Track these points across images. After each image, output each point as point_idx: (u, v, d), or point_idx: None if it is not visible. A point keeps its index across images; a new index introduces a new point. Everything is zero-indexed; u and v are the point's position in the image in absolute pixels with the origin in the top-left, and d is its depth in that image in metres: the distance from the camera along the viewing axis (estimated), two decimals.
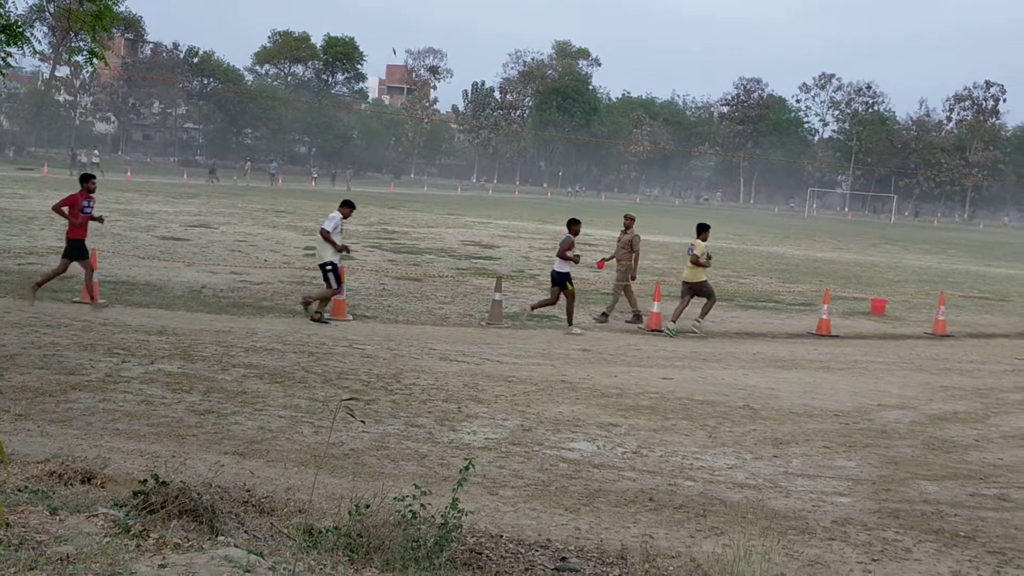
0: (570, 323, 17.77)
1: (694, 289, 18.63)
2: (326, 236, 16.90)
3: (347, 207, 17.45)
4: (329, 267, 16.94)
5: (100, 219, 17.06)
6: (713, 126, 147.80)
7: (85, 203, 16.56)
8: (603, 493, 8.40)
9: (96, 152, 73.04)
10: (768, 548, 6.86)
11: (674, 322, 18.33)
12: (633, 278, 19.61)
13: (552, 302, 18.19)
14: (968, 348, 19.21)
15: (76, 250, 16.51)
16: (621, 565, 6.69)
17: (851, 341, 18.94)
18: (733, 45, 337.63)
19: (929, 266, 41.86)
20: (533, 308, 18.35)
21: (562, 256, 17.79)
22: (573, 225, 18.19)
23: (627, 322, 19.13)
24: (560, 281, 17.78)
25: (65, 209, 16.45)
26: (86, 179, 16.94)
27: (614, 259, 19.90)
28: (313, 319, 16.52)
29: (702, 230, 18.93)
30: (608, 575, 6.49)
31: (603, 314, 19.14)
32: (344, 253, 17.49)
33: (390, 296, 20.27)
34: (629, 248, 19.58)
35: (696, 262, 18.58)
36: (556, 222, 53.40)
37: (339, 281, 16.98)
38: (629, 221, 19.99)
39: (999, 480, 9.67)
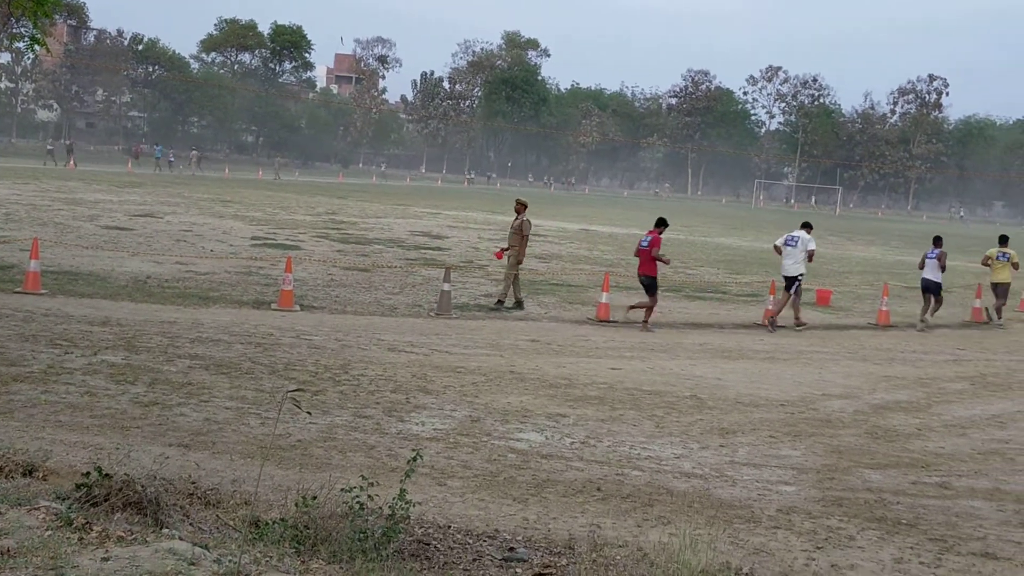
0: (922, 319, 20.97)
1: (999, 289, 22.57)
2: (812, 256, 19.92)
3: (809, 227, 20.38)
4: (801, 277, 19.56)
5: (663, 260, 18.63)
6: (661, 118, 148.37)
7: (643, 241, 18.46)
8: (551, 483, 8.42)
9: None
10: (714, 537, 6.92)
11: (1000, 318, 22.63)
12: (519, 262, 19.35)
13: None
14: (911, 338, 19.49)
15: (652, 285, 18.17)
16: (569, 555, 6.71)
17: (796, 331, 19.12)
18: (681, 37, 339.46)
19: (873, 257, 42.42)
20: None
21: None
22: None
23: (507, 309, 18.87)
24: None
25: (656, 251, 18.19)
26: (663, 223, 18.66)
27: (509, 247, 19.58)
28: (797, 326, 19.29)
29: (1006, 240, 23.11)
30: (556, 565, 6.51)
31: (498, 301, 19.02)
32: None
33: (338, 286, 20.17)
34: (519, 234, 19.47)
35: (1017, 267, 22.68)
36: (504, 213, 53.43)
37: (800, 290, 19.75)
38: (520, 207, 19.76)
39: (940, 468, 9.82)
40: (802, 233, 19.98)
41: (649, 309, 18.16)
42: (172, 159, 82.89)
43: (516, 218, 19.57)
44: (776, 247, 20.58)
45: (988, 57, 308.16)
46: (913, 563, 7.18)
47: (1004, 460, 10.36)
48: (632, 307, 18.38)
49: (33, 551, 4.76)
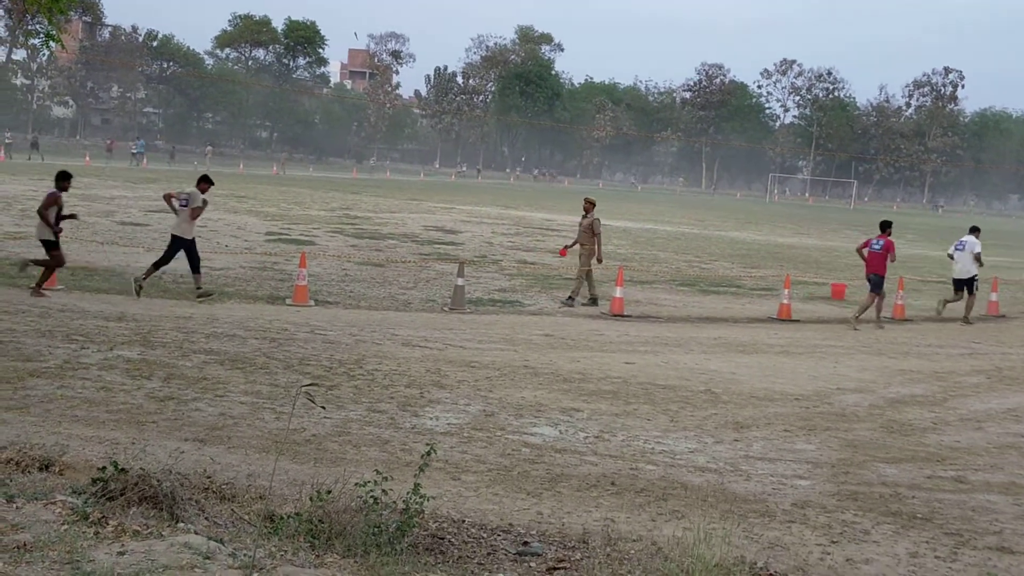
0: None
1: None
2: (979, 258, 21.41)
3: (977, 231, 21.93)
4: (976, 278, 21.36)
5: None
6: (675, 112, 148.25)
7: (875, 244, 19.76)
8: (565, 478, 8.41)
9: None
10: (728, 531, 6.91)
11: None
12: (599, 261, 19.68)
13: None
14: (926, 332, 19.42)
15: (880, 282, 19.49)
16: (583, 549, 6.72)
17: (811, 325, 19.08)
18: (695, 31, 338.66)
19: None
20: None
21: None
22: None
23: (583, 305, 19.18)
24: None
25: (891, 255, 19.61)
26: (890, 224, 20.08)
27: (577, 244, 19.93)
28: (966, 322, 21.01)
29: None
30: (570, 559, 6.51)
31: (569, 298, 19.20)
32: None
33: (352, 282, 20.19)
34: (590, 232, 19.61)
35: None
36: (518, 207, 53.47)
37: (975, 290, 21.48)
38: (589, 205, 19.97)
39: (956, 462, 9.79)
40: (970, 238, 21.65)
41: (872, 306, 19.49)
42: (134, 151, 79.11)
43: (585, 216, 19.79)
44: (949, 255, 22.19)
45: (1004, 50, 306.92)
46: (928, 557, 7.15)
47: (1020, 454, 10.31)
48: (862, 311, 19.48)
49: (50, 545, 4.78)
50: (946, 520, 7.97)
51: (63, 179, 16.32)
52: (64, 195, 16.40)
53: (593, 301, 19.29)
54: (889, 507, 8.21)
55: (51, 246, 16.00)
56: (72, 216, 16.82)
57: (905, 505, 8.29)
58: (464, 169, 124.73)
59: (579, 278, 19.58)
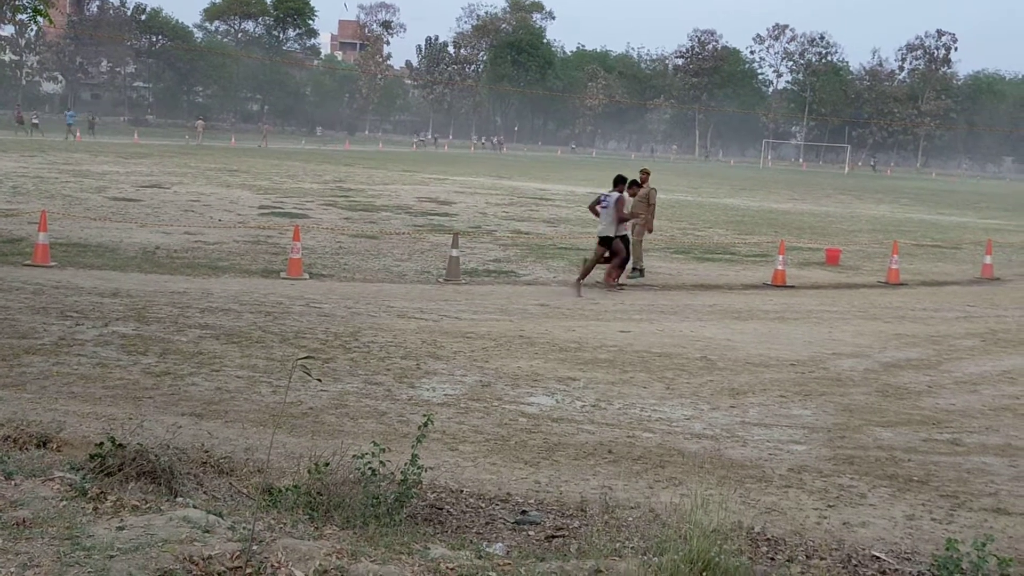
0: None
1: None
2: None
3: None
4: None
5: None
6: (668, 79, 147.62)
7: None
8: (562, 446, 8.44)
9: None
10: (725, 497, 6.92)
11: None
12: (649, 231, 20.00)
13: None
14: (921, 296, 19.43)
15: None
16: (581, 517, 6.74)
17: (806, 291, 19.09)
18: None
19: (882, 215, 42.23)
20: None
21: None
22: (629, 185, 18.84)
23: (628, 277, 19.16)
24: None
25: None
26: None
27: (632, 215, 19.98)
28: None
29: None
30: (568, 527, 6.54)
31: (634, 269, 19.27)
32: None
33: (347, 254, 20.17)
34: (646, 202, 19.72)
35: None
36: (511, 177, 53.33)
37: None
38: (645, 176, 20.02)
39: (951, 425, 9.82)
40: None
41: None
42: (36, 121, 74.76)
43: (641, 186, 19.79)
44: None
45: (997, 12, 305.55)
46: (925, 519, 7.19)
47: (1015, 416, 10.35)
48: None
49: (49, 521, 4.79)
50: (942, 483, 8.01)
51: (622, 182, 18.09)
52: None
53: (639, 272, 19.36)
54: (885, 470, 8.24)
55: (609, 242, 17.75)
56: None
57: (901, 468, 8.32)
58: (425, 138, 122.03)
59: (635, 249, 19.60)
